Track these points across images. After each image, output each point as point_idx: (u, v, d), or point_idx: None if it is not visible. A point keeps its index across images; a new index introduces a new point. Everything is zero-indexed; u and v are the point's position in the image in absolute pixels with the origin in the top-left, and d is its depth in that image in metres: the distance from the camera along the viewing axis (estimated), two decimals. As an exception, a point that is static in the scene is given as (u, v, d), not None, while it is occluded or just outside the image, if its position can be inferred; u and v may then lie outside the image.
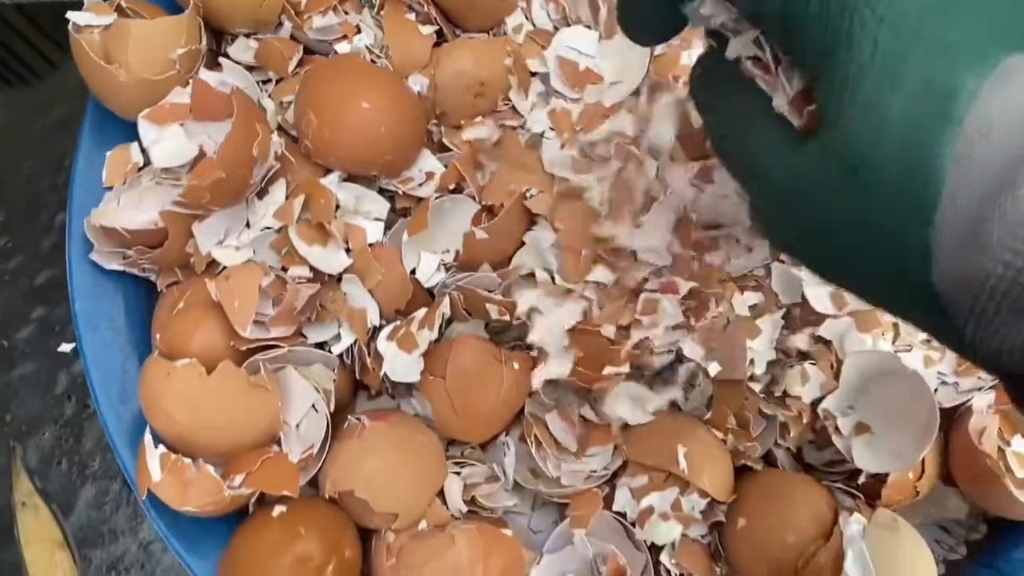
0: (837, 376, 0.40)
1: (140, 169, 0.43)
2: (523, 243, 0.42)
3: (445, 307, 0.40)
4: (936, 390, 0.40)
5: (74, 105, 0.44)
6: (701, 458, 0.40)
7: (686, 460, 0.40)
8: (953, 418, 0.41)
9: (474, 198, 0.41)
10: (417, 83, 0.42)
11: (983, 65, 0.18)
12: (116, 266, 0.42)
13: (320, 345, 0.41)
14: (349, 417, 0.40)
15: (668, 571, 0.40)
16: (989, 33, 0.18)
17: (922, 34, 0.18)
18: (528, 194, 0.40)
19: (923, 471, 0.40)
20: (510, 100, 0.42)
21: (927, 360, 0.41)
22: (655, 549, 0.41)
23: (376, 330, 0.41)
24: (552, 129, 0.41)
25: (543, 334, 0.40)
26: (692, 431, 0.41)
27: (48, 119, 0.53)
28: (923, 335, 0.41)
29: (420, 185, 0.41)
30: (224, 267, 0.40)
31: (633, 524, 0.40)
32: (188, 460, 0.37)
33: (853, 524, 0.38)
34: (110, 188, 0.43)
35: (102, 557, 0.45)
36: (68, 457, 0.47)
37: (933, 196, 0.18)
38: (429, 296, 0.42)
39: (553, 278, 0.41)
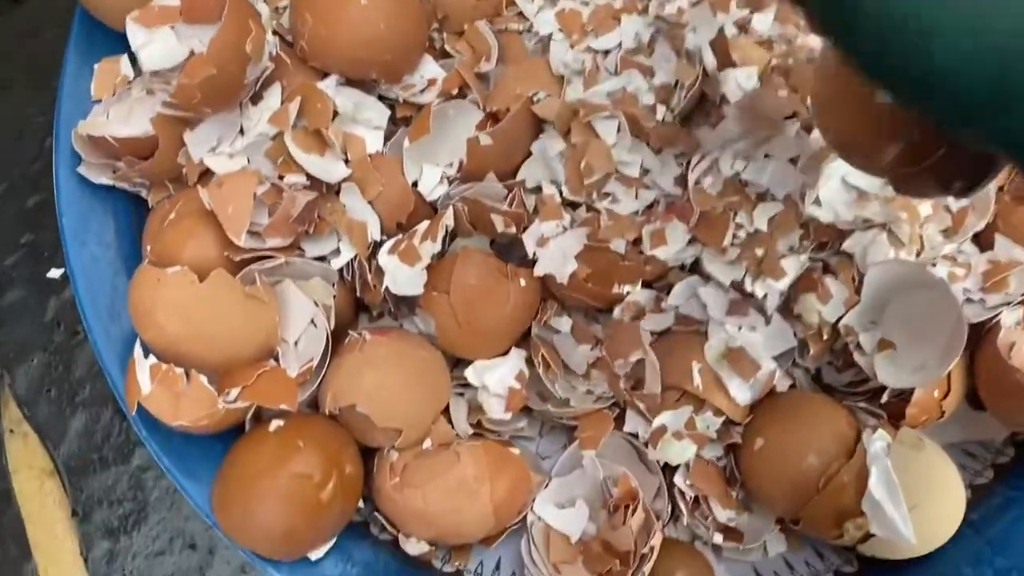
0: (859, 291, 0.39)
1: (130, 81, 0.41)
2: (530, 154, 0.40)
3: (449, 219, 0.38)
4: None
5: (62, 29, 0.42)
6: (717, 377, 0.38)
7: (700, 377, 0.38)
8: (980, 335, 0.39)
9: (478, 105, 0.39)
10: (418, -16, 0.40)
11: None
12: (105, 180, 0.40)
13: (319, 260, 0.39)
14: (350, 332, 0.39)
15: (682, 493, 0.39)
16: None
17: None
18: (535, 98, 0.38)
19: (949, 388, 0.38)
20: (515, 3, 0.40)
21: (952, 276, 0.39)
22: (669, 471, 0.39)
23: (377, 246, 0.39)
24: (561, 31, 0.39)
25: (548, 263, 0.38)
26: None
27: (36, 43, 0.51)
28: (948, 248, 0.40)
29: (422, 91, 0.39)
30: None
31: (646, 444, 0.39)
32: (180, 370, 0.35)
33: (877, 441, 0.36)
34: (98, 101, 0.41)
35: (93, 486, 0.43)
36: (58, 385, 0.45)
37: None
38: (432, 210, 0.40)
39: (561, 191, 0.39)
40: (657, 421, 0.38)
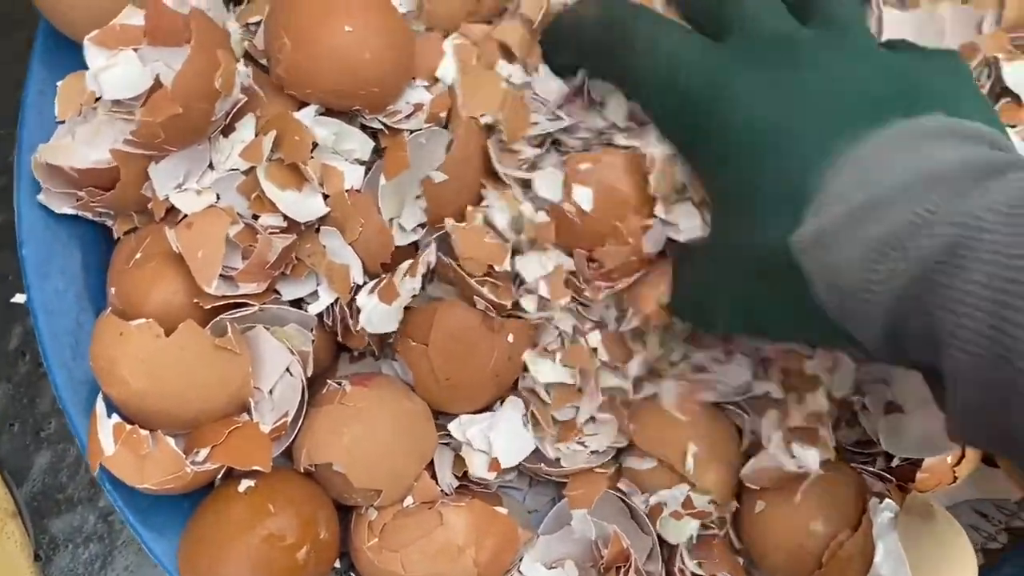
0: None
1: (98, 99, 0.38)
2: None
3: (431, 255, 0.35)
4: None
5: (30, 31, 0.39)
6: (709, 458, 0.36)
7: (694, 460, 0.36)
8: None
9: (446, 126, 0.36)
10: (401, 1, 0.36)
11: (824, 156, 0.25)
12: (68, 209, 0.37)
13: (296, 303, 0.37)
14: (328, 381, 0.36)
15: (683, 571, 0.37)
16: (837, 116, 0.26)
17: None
18: (483, 120, 0.35)
19: (963, 454, 0.36)
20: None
21: None
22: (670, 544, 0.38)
23: (358, 288, 0.36)
24: None
25: None
26: (709, 419, 0.37)
27: (5, 44, 0.47)
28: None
29: (407, 117, 0.36)
30: (186, 214, 0.35)
31: (647, 516, 0.37)
32: (145, 432, 0.33)
33: (884, 512, 0.34)
34: (63, 121, 0.38)
35: (58, 528, 0.41)
36: (21, 419, 0.43)
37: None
38: (413, 248, 0.37)
39: None
40: (653, 499, 0.36)
